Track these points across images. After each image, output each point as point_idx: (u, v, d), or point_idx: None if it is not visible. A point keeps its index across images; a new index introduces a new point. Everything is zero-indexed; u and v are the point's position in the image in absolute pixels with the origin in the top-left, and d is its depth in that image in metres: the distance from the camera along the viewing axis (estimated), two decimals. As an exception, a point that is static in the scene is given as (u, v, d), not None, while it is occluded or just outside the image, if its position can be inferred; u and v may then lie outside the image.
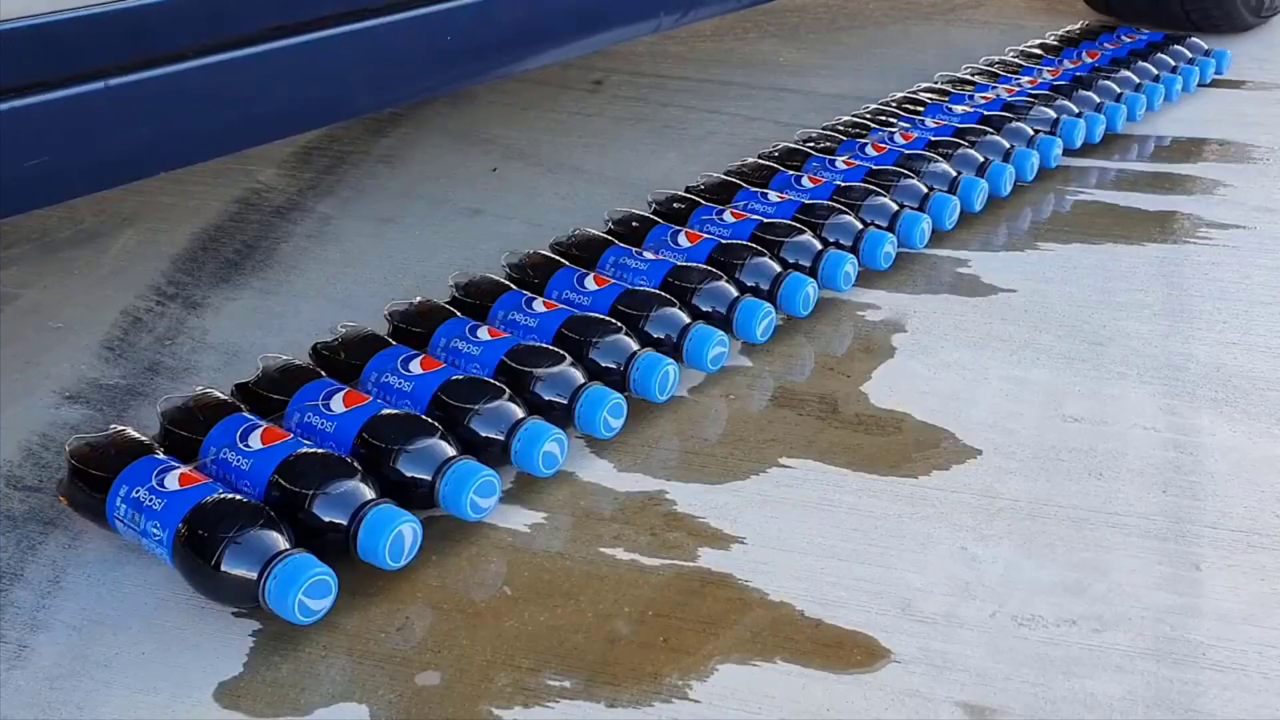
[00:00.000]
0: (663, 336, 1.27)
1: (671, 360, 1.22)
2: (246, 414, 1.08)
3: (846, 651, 0.92)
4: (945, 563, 1.02)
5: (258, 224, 1.72)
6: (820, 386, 1.30)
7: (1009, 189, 1.76)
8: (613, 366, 1.21)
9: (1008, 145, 1.82)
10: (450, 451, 1.04)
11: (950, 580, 1.00)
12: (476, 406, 1.10)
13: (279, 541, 0.92)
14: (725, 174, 1.70)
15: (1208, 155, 2.01)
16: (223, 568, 0.91)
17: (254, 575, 0.90)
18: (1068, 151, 1.92)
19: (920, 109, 2.00)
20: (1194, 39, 2.43)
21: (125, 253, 1.62)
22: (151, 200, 1.80)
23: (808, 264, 1.45)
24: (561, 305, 1.29)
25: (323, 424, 1.08)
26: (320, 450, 1.02)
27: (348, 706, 0.87)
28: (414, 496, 1.03)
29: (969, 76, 2.20)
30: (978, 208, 1.69)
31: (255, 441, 1.03)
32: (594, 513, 1.09)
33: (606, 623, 0.95)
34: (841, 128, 1.90)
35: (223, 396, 1.13)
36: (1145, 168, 1.96)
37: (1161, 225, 1.72)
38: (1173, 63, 2.30)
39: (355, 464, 1.01)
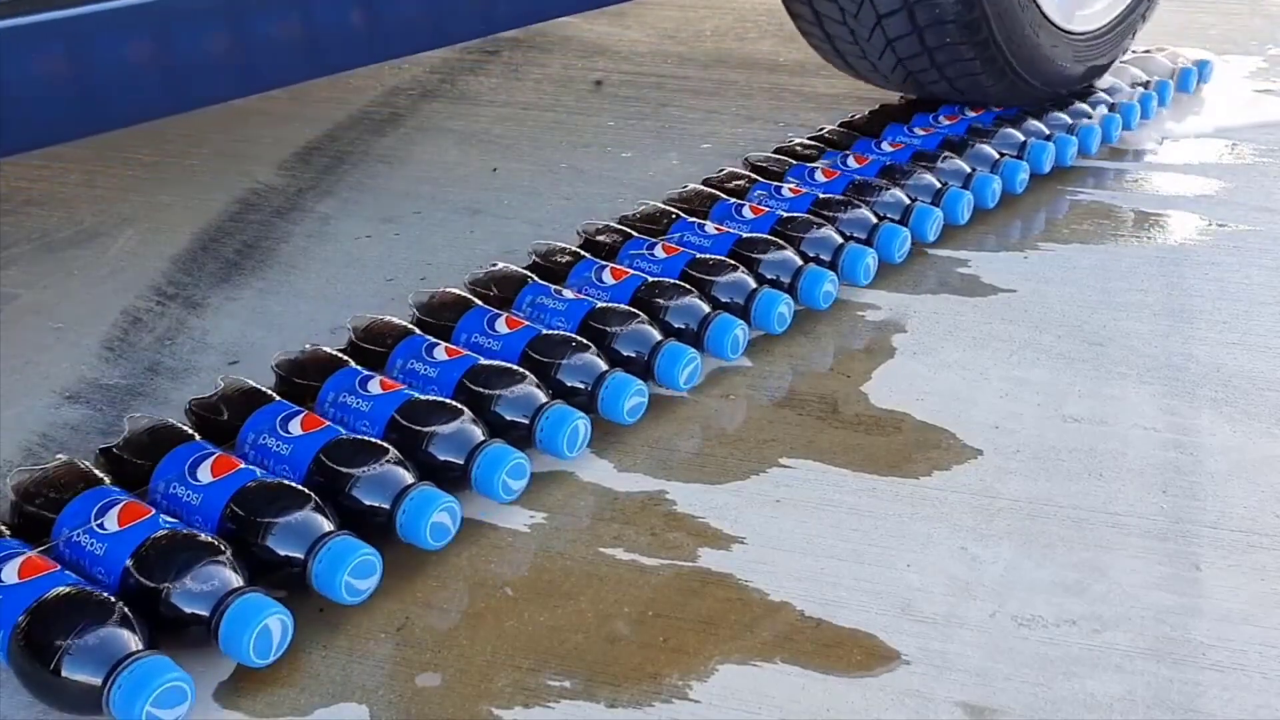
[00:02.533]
0: (579, 384, 1.18)
1: (583, 415, 1.13)
2: (109, 487, 0.98)
3: (846, 652, 0.92)
4: (945, 563, 1.02)
5: (258, 224, 1.72)
6: (820, 386, 1.30)
7: (901, 253, 1.56)
8: (521, 420, 1.12)
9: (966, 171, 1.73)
10: (408, 479, 1.00)
11: (950, 580, 1.00)
12: (435, 429, 1.05)
13: (129, 642, 0.82)
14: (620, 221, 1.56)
15: (1207, 155, 2.01)
16: (63, 674, 0.81)
17: (97, 682, 0.81)
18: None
19: (846, 144, 1.86)
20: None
21: (125, 253, 1.62)
22: (151, 200, 1.80)
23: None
24: (467, 352, 1.19)
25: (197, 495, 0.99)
26: (180, 532, 0.92)
27: (348, 707, 0.87)
28: (370, 524, 0.98)
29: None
30: (898, 259, 1.54)
31: (111, 523, 0.93)
32: (594, 513, 1.09)
33: (606, 623, 0.95)
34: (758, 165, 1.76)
35: (85, 467, 1.01)
36: (1145, 167, 1.96)
37: (1161, 225, 1.72)
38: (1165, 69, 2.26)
39: (309, 494, 0.96)
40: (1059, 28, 1.91)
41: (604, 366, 1.18)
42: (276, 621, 0.87)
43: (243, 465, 0.99)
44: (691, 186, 1.67)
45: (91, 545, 0.92)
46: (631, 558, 1.03)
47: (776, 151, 1.82)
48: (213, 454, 1.01)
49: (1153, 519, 1.07)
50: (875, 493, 1.11)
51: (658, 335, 1.25)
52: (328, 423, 1.06)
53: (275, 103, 2.25)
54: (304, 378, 1.17)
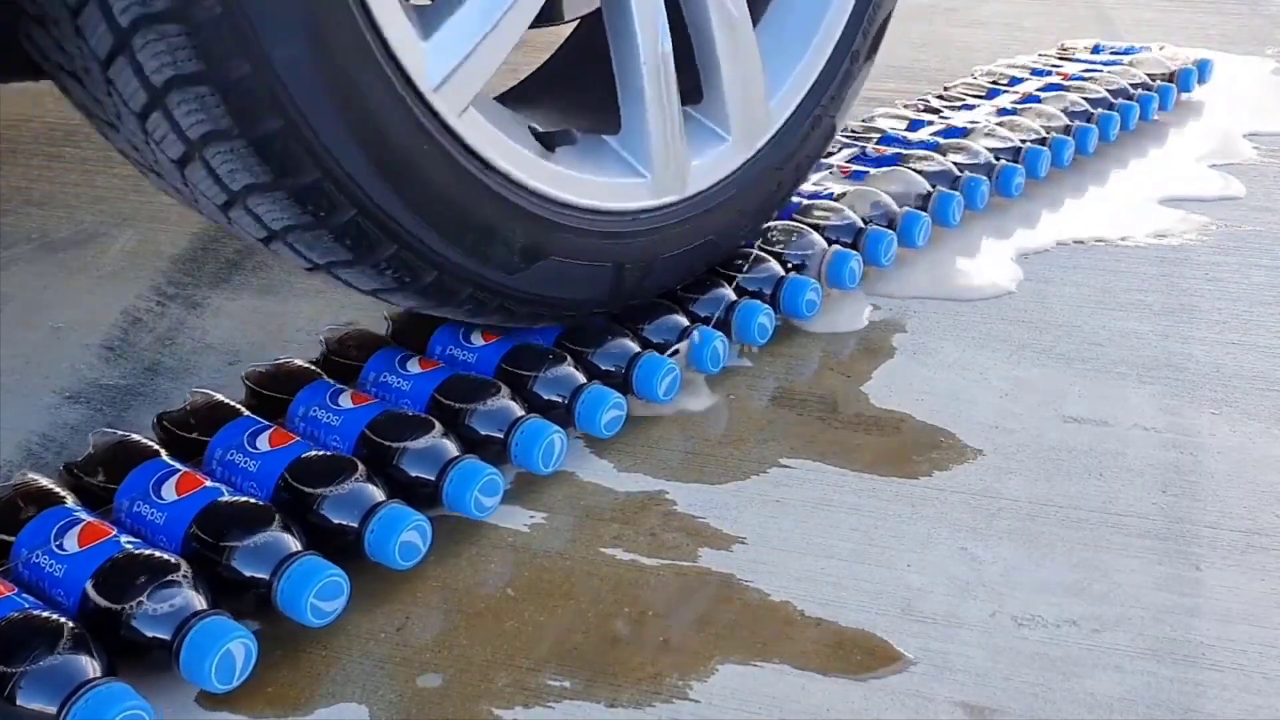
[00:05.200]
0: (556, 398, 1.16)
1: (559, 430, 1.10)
2: (70, 506, 0.95)
3: (846, 652, 0.92)
4: (945, 563, 1.02)
5: (258, 224, 1.72)
6: (820, 386, 1.30)
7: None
8: (496, 435, 1.09)
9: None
10: (378, 496, 0.97)
11: (950, 580, 1.00)
12: (406, 444, 1.03)
13: (86, 669, 0.80)
14: None
15: (1207, 156, 2.01)
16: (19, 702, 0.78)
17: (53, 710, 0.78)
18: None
19: None
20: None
21: (125, 253, 1.62)
22: (151, 200, 1.79)
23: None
24: (442, 364, 1.18)
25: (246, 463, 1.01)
26: (141, 553, 0.88)
27: (348, 707, 0.87)
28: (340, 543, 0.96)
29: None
30: (759, 341, 1.35)
31: (71, 544, 0.90)
32: (594, 513, 1.09)
33: (606, 623, 0.95)
34: None
35: (46, 485, 0.98)
36: (1142, 166, 1.96)
37: (1162, 225, 1.72)
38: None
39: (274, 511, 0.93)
40: (553, 200, 1.10)
41: (581, 379, 1.17)
42: (240, 646, 0.84)
43: (208, 483, 0.97)
44: None
45: (51, 566, 0.89)
46: (631, 558, 1.03)
47: None
48: (177, 471, 0.98)
49: (1153, 519, 1.07)
50: (875, 493, 1.11)
51: (636, 348, 1.23)
52: (297, 438, 1.03)
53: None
54: (274, 391, 1.15)
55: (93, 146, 2.00)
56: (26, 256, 1.61)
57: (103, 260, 1.60)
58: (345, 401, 1.09)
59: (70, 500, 0.97)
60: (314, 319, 1.43)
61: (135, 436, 1.06)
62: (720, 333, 1.29)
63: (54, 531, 0.91)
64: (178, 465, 1.00)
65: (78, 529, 0.91)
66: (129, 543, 0.90)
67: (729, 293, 1.36)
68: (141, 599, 0.85)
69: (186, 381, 1.29)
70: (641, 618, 0.96)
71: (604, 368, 1.21)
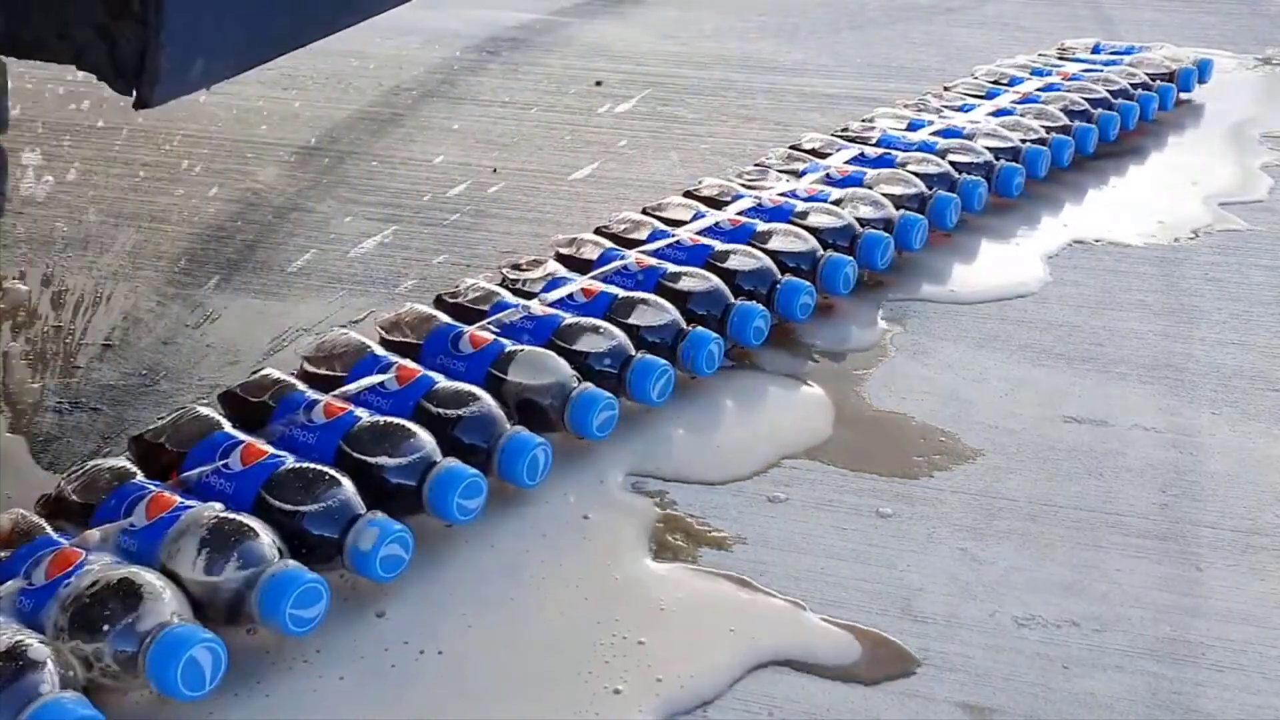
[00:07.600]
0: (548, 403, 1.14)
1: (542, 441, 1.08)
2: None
3: (847, 652, 0.92)
4: (945, 563, 1.02)
5: (258, 224, 1.72)
6: (820, 386, 1.30)
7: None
8: (481, 445, 1.07)
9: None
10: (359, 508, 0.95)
11: (950, 580, 1.00)
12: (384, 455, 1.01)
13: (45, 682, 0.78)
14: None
15: (1206, 155, 2.01)
16: None
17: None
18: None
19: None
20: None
21: (125, 253, 1.62)
22: (151, 200, 1.79)
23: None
24: (424, 372, 1.14)
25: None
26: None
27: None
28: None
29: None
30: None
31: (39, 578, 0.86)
32: (594, 512, 1.09)
33: (606, 623, 0.95)
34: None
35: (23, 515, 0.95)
36: (1140, 167, 1.96)
37: (1161, 225, 1.72)
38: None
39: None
40: None
41: (574, 383, 1.14)
42: (204, 652, 0.81)
43: (179, 502, 0.93)
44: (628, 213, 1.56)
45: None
46: (632, 558, 1.03)
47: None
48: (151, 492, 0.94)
49: (1153, 519, 1.07)
50: (875, 493, 1.11)
51: (631, 350, 1.21)
52: (271, 452, 0.99)
53: (275, 102, 2.25)
54: (256, 400, 1.11)
55: (92, 146, 2.00)
56: (26, 256, 1.61)
57: (103, 260, 1.59)
58: (319, 415, 1.05)
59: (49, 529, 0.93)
60: (314, 319, 1.42)
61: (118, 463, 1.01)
62: (716, 334, 1.27)
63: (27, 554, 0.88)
64: (153, 485, 0.96)
65: (49, 558, 0.87)
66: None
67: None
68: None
69: (186, 381, 1.29)
70: (641, 617, 0.96)
71: (596, 369, 1.20)
